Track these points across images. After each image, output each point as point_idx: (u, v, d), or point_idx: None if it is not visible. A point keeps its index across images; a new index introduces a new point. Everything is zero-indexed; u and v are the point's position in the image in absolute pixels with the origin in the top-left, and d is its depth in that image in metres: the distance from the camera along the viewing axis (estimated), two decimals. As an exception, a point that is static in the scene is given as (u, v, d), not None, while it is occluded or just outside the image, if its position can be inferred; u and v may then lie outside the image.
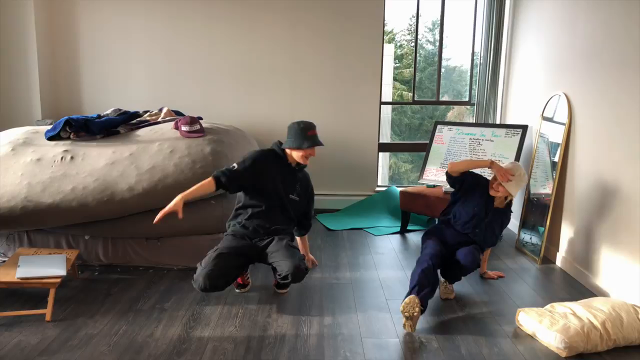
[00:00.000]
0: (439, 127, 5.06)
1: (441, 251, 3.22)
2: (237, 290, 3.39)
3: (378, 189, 5.60)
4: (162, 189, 3.59)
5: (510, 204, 3.47)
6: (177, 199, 3.05)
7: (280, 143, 3.37)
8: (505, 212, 3.47)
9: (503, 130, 4.66)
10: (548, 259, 4.08)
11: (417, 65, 6.08)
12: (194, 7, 5.24)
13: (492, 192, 3.34)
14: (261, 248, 3.27)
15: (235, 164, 3.23)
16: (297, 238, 3.65)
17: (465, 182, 3.41)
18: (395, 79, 12.11)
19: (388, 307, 3.22)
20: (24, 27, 5.03)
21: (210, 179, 3.16)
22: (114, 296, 3.30)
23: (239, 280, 3.40)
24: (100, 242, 3.76)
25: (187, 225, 3.65)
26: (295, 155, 3.28)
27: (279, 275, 3.15)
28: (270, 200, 3.29)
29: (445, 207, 3.55)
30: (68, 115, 4.30)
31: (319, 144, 3.25)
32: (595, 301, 2.94)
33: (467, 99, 5.77)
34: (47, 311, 2.96)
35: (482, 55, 5.31)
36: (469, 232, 3.36)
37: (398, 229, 4.80)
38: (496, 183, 3.32)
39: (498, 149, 4.59)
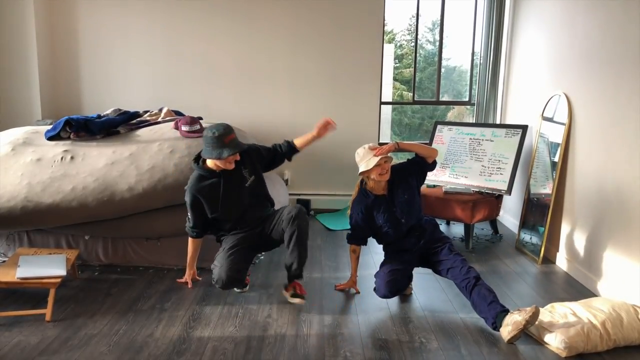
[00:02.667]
0: (439, 127, 5.06)
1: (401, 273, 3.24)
2: (237, 290, 3.38)
3: (378, 189, 5.60)
4: (162, 189, 3.59)
5: (392, 172, 3.20)
6: (188, 270, 3.47)
7: (196, 160, 3.25)
8: (397, 178, 3.23)
9: (503, 130, 4.66)
10: (548, 259, 4.08)
11: (417, 65, 6.09)
12: (194, 6, 5.24)
13: (382, 179, 3.15)
14: (259, 233, 3.29)
15: (188, 214, 3.28)
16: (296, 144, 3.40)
17: (365, 229, 3.32)
18: (395, 79, 12.10)
19: (388, 307, 3.22)
20: (24, 27, 5.03)
21: (191, 240, 3.37)
22: (114, 296, 3.30)
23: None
24: (100, 242, 3.76)
25: (187, 225, 3.66)
26: (219, 164, 3.12)
27: (284, 222, 3.11)
28: (232, 213, 3.23)
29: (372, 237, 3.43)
30: (68, 115, 4.29)
31: (241, 147, 3.11)
32: (595, 301, 2.94)
33: (467, 99, 5.77)
34: (47, 311, 2.96)
35: (482, 55, 5.31)
36: (408, 229, 3.25)
37: (398, 229, 4.79)
38: (376, 174, 3.13)
39: (498, 149, 4.59)
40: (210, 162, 3.16)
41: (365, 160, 3.12)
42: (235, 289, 3.39)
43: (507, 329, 2.75)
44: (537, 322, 2.78)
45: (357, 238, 3.38)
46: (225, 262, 3.12)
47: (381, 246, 3.49)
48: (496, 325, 2.84)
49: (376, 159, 3.08)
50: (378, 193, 3.24)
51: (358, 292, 3.42)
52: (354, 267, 3.43)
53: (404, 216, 3.23)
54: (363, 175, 3.21)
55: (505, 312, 2.84)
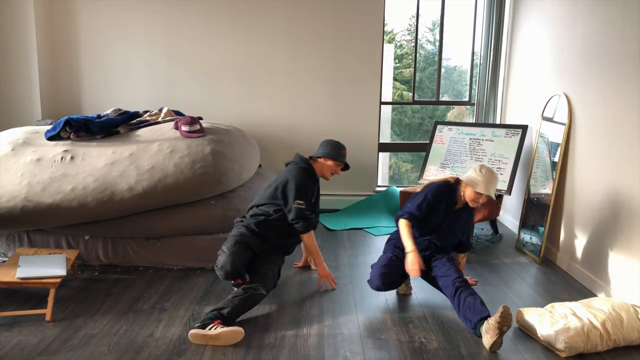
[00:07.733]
0: (439, 127, 5.06)
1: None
2: (236, 290, 3.38)
3: (378, 189, 5.60)
4: (162, 189, 3.59)
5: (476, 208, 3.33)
6: (322, 265, 3.45)
7: (304, 160, 3.47)
8: (468, 211, 3.31)
9: (503, 130, 4.66)
10: (548, 259, 4.08)
11: (417, 65, 6.09)
12: (193, 7, 5.24)
13: (473, 204, 3.18)
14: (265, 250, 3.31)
15: (301, 202, 3.30)
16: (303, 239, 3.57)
17: (426, 212, 3.25)
18: (395, 79, 12.11)
19: (388, 307, 3.22)
20: (24, 27, 5.03)
21: (309, 233, 3.35)
22: (114, 296, 3.30)
23: (238, 279, 3.40)
24: (100, 242, 3.76)
25: (187, 225, 3.66)
26: (328, 166, 3.47)
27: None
28: (315, 209, 3.51)
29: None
30: (68, 115, 4.30)
31: (348, 167, 3.57)
32: (595, 301, 2.94)
33: (467, 99, 5.77)
34: (47, 311, 2.96)
35: (482, 55, 5.31)
36: (428, 238, 3.25)
37: (398, 229, 4.79)
38: (475, 197, 3.15)
39: (498, 149, 4.59)
40: (318, 165, 3.49)
41: (482, 183, 3.09)
42: (235, 288, 3.39)
43: (487, 337, 2.68)
44: (525, 322, 2.79)
45: (412, 214, 3.21)
46: (231, 251, 3.14)
47: (383, 246, 3.48)
48: (477, 333, 2.80)
49: (485, 196, 3.11)
50: (459, 205, 3.24)
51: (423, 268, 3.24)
52: (412, 239, 3.18)
53: (443, 235, 3.25)
54: (465, 186, 3.17)
55: (485, 318, 2.77)
